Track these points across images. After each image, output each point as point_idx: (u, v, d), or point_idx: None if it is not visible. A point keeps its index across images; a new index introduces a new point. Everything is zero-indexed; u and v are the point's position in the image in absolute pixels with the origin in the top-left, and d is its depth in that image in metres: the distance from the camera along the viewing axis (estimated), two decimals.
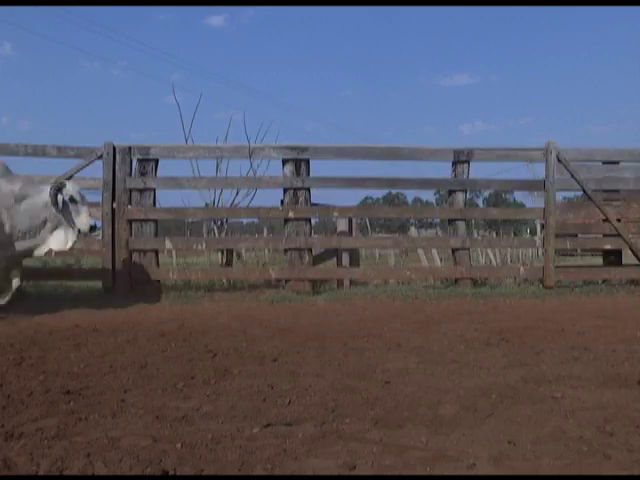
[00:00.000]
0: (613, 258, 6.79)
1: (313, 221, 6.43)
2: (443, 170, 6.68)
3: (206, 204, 6.77)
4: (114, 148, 6.04)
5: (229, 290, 6.23)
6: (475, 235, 9.24)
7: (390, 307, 5.17)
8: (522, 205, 22.27)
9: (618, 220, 6.38)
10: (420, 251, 10.13)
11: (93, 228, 4.85)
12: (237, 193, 6.68)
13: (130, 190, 6.07)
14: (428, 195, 56.10)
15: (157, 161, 6.23)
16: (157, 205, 6.27)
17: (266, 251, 12.79)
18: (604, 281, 6.60)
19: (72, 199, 4.75)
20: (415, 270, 7.37)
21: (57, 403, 2.42)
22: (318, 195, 6.64)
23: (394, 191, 35.36)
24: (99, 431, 2.09)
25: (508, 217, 9.01)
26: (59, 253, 6.75)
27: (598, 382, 2.72)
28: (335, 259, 6.79)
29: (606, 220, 6.41)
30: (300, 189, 6.23)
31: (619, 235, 6.36)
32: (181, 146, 6.50)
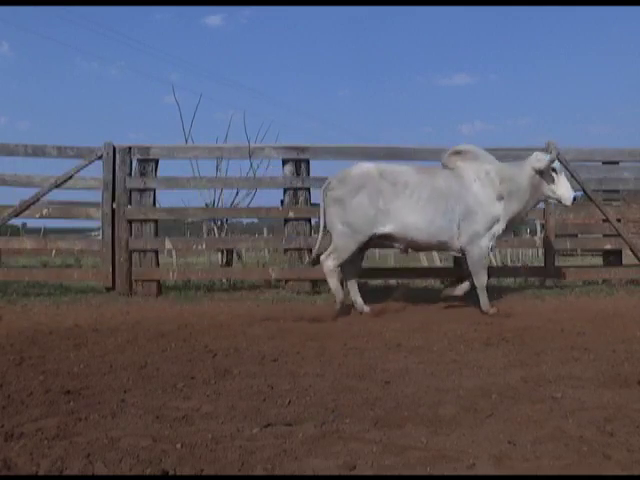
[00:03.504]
0: (613, 258, 6.78)
1: (313, 221, 6.42)
2: None
3: (206, 204, 6.77)
4: (114, 148, 6.04)
5: (229, 290, 6.23)
6: None
7: (390, 307, 5.16)
8: None
9: (618, 220, 6.38)
10: None
11: None
12: (237, 193, 6.68)
13: (130, 190, 6.07)
14: None
15: (157, 161, 6.23)
16: (157, 205, 6.27)
17: (266, 251, 12.80)
18: (604, 281, 6.59)
19: None
20: (415, 270, 7.36)
21: (57, 403, 2.42)
22: (318, 195, 6.62)
23: None
24: (99, 431, 2.09)
25: None
26: (58, 253, 6.75)
27: (598, 382, 2.71)
28: None
29: (606, 220, 6.40)
30: (300, 189, 6.23)
31: (619, 235, 6.36)
32: (181, 146, 6.51)
